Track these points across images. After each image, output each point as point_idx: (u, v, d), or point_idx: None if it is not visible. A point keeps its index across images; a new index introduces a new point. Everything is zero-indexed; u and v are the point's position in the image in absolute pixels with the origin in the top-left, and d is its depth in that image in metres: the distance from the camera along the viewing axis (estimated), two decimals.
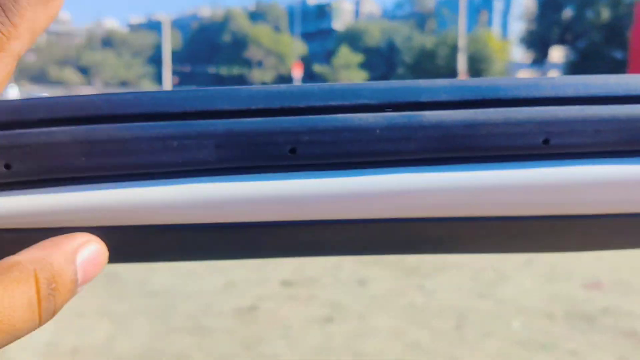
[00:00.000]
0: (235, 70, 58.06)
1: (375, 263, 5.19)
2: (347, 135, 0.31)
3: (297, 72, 50.96)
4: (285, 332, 3.81)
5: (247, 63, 57.53)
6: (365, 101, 0.31)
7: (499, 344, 3.87)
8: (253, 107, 0.32)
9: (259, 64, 56.86)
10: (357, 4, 73.12)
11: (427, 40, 44.84)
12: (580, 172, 0.31)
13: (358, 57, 52.23)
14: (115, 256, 0.34)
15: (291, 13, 66.32)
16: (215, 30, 63.68)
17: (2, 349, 0.28)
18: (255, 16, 67.53)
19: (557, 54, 38.21)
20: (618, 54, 31.97)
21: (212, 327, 3.85)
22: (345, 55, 52.25)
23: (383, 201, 0.31)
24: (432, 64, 42.89)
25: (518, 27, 40.62)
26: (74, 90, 53.69)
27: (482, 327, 3.96)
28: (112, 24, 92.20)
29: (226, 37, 61.23)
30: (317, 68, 56.37)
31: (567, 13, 35.55)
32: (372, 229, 0.33)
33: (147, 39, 73.77)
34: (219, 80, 59.39)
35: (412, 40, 51.90)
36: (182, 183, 0.33)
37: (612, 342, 3.79)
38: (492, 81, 0.31)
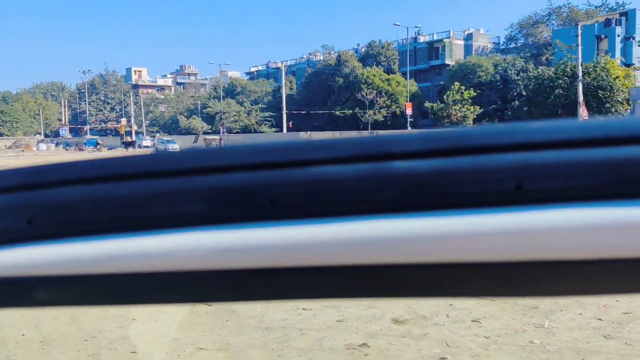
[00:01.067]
0: (348, 111, 59.27)
1: (491, 301, 5.03)
2: (322, 187, 0.32)
3: (409, 111, 51.17)
4: None
5: (360, 103, 58.55)
6: (338, 154, 0.33)
7: None
8: (235, 162, 0.35)
9: (372, 104, 57.65)
10: (468, 39, 72.25)
11: (544, 72, 43.31)
12: (555, 218, 0.30)
13: (471, 92, 51.41)
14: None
15: (402, 52, 66.95)
16: (328, 74, 65.61)
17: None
18: (367, 57, 68.91)
19: None
20: None
21: None
22: (458, 90, 51.64)
23: (360, 249, 0.32)
24: (550, 95, 41.31)
25: None
26: (200, 137, 57.23)
27: None
28: (234, 74, 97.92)
29: (339, 80, 62.90)
30: (429, 105, 56.18)
31: None
32: (351, 274, 0.34)
33: (265, 86, 77.49)
34: (333, 121, 60.87)
35: (527, 72, 50.37)
36: (169, 234, 0.36)
37: None
38: (461, 130, 0.33)
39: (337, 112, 61.15)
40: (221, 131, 65.54)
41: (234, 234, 0.35)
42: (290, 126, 59.83)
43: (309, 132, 50.27)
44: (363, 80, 59.57)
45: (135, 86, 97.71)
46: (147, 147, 65.19)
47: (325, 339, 4.30)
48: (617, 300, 4.93)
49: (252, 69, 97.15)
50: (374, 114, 58.32)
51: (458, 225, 0.31)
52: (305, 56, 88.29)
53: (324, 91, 65.88)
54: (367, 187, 0.32)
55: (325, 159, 0.33)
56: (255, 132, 66.54)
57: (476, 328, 4.43)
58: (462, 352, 3.99)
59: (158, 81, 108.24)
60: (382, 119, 58.37)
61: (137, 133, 76.01)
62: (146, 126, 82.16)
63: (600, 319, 4.53)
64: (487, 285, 0.35)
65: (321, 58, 78.30)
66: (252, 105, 72.11)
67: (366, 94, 58.31)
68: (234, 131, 67.25)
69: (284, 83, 62.71)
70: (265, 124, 69.91)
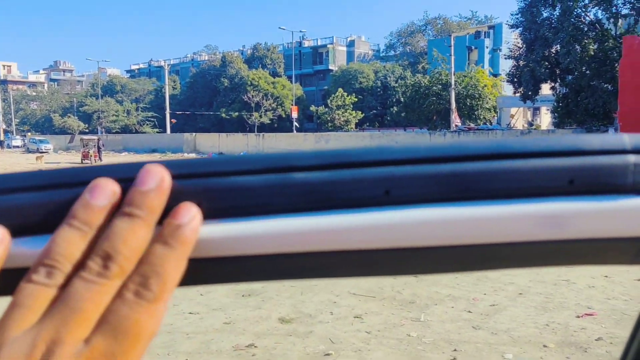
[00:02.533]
0: (235, 113, 58.75)
1: (372, 298, 5.28)
2: (240, 192, 0.41)
3: (295, 114, 51.79)
4: None
5: (246, 106, 58.26)
6: (252, 167, 0.42)
7: None
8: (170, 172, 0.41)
9: (258, 106, 57.58)
10: (351, 45, 74.44)
11: (419, 80, 45.57)
12: (412, 215, 0.41)
13: (352, 98, 53.00)
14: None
15: (287, 55, 67.53)
16: (213, 75, 64.69)
17: None
18: (253, 59, 68.78)
19: (548, 88, 38.58)
20: (608, 86, 32.29)
21: None
22: (340, 96, 53.01)
23: (268, 241, 0.41)
24: (425, 101, 43.59)
25: (509, 64, 41.01)
26: (77, 137, 54.18)
27: (477, 358, 4.03)
28: (114, 71, 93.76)
29: (224, 81, 62.21)
30: (314, 109, 57.26)
31: (555, 49, 36.05)
32: (259, 262, 0.42)
33: (147, 85, 74.92)
34: (219, 122, 60.03)
35: (405, 79, 52.77)
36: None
37: None
38: (344, 150, 0.43)
39: (223, 114, 60.51)
40: (99, 131, 62.57)
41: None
42: (173, 122, 58.09)
43: (193, 134, 49.29)
44: (249, 83, 59.41)
45: (4, 82, 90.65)
46: (17, 147, 60.68)
47: (212, 341, 4.31)
48: (484, 294, 5.37)
49: (134, 67, 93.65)
50: (260, 116, 58.37)
51: (341, 222, 0.41)
52: (189, 56, 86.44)
53: (209, 92, 64.91)
54: (273, 193, 0.41)
55: (242, 171, 0.41)
56: (137, 132, 64.09)
57: (358, 324, 4.64)
58: (346, 347, 4.17)
59: (30, 77, 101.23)
60: (269, 122, 58.58)
61: (5, 132, 70.61)
62: (16, 125, 76.61)
63: (469, 312, 4.91)
64: (362, 268, 0.44)
65: (206, 58, 77.05)
66: (133, 104, 69.39)
67: (252, 96, 58.23)
68: (114, 131, 64.44)
69: (167, 82, 60.88)
70: (147, 124, 67.62)
